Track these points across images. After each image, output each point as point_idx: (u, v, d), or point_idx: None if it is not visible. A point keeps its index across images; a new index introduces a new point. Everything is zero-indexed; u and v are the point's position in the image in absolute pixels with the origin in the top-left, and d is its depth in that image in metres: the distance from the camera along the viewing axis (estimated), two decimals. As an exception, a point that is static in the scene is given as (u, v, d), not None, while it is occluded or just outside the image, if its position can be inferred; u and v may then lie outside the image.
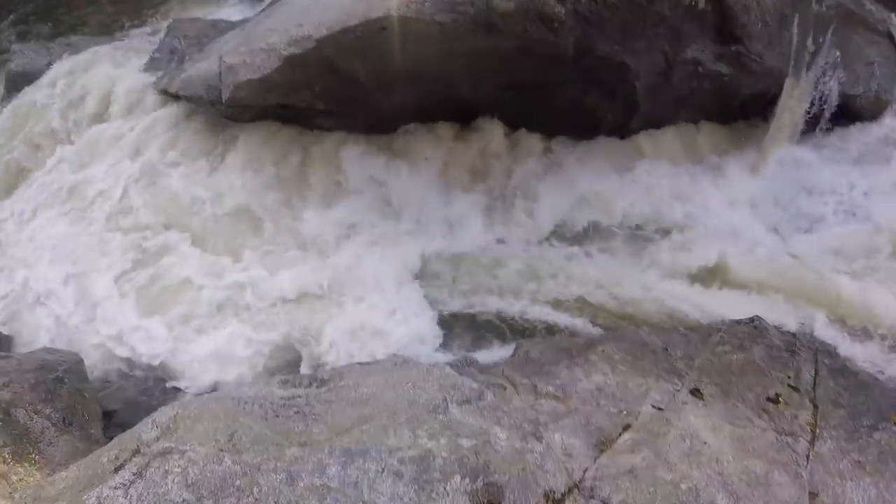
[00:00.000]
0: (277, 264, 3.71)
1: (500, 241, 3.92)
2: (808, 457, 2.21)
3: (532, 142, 4.28)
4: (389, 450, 1.86)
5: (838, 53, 4.15)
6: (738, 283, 3.53)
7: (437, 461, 1.84)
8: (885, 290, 3.38)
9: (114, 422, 2.82)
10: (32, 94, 4.78)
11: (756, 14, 3.92)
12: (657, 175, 4.17)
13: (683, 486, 1.96)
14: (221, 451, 1.79)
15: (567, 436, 2.16)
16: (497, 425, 2.05)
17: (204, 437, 1.83)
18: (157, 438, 1.85)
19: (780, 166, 4.20)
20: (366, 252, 3.77)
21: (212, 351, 3.33)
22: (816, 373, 2.66)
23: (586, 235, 3.95)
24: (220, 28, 4.89)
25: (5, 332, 3.55)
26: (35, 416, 2.37)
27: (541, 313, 3.45)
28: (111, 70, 4.74)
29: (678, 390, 2.45)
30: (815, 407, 2.47)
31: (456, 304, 3.56)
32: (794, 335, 2.93)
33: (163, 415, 1.95)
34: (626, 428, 2.24)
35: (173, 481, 1.68)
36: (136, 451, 1.80)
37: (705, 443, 2.16)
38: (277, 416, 2.01)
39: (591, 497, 1.94)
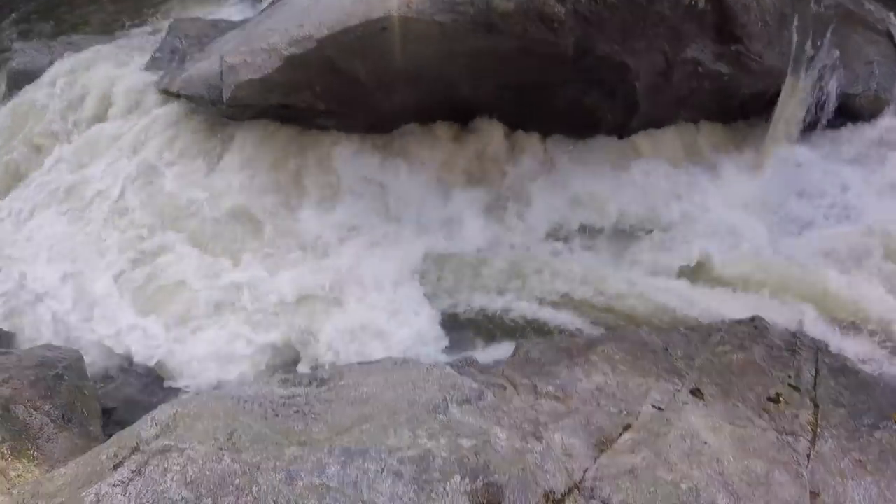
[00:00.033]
0: (277, 265, 3.71)
1: (501, 240, 3.92)
2: (808, 456, 2.21)
3: (532, 141, 4.28)
4: (389, 449, 1.85)
5: (838, 53, 4.16)
6: (724, 279, 3.54)
7: (437, 461, 1.84)
8: (872, 284, 3.38)
9: (113, 419, 2.82)
10: (33, 93, 4.78)
11: (756, 14, 3.93)
12: (656, 175, 4.17)
13: (684, 486, 1.96)
14: (221, 449, 1.78)
15: (567, 436, 2.15)
16: (497, 425, 2.04)
17: (203, 436, 1.83)
18: (157, 436, 1.85)
19: (780, 166, 4.21)
20: (366, 252, 3.77)
21: (210, 350, 3.33)
22: (817, 372, 2.66)
23: (585, 234, 3.95)
24: (221, 28, 4.89)
25: (6, 328, 3.55)
26: (34, 413, 2.36)
27: (541, 312, 3.45)
28: (112, 69, 4.74)
29: (678, 390, 2.45)
30: (816, 406, 2.47)
31: (456, 304, 3.56)
32: (794, 334, 2.93)
33: (162, 413, 1.95)
34: (627, 428, 2.23)
35: (172, 479, 1.67)
36: (136, 449, 1.80)
37: (706, 443, 2.16)
38: (277, 415, 2.01)
39: (592, 497, 1.94)
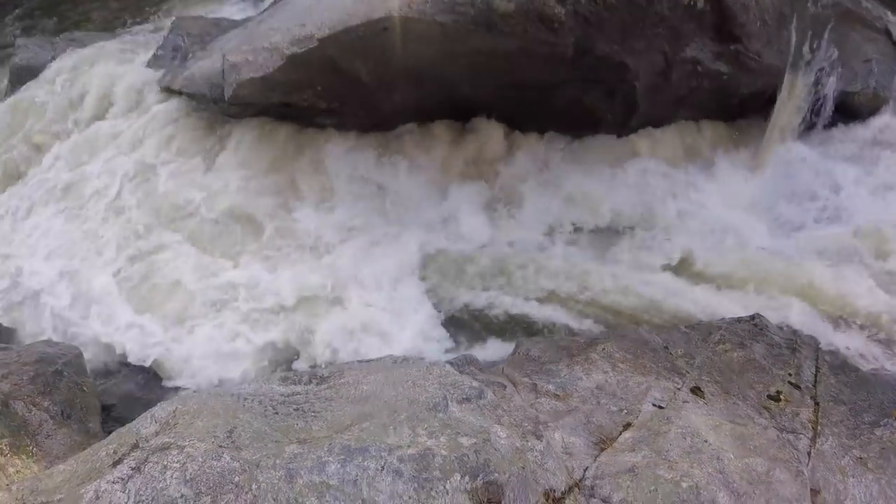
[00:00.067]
0: (276, 264, 3.71)
1: (500, 239, 3.92)
2: (809, 454, 2.21)
3: (531, 141, 4.28)
4: (389, 448, 1.85)
5: (836, 51, 4.17)
6: (707, 275, 3.57)
7: (437, 459, 1.83)
8: (857, 276, 3.40)
9: (112, 416, 2.82)
10: (34, 90, 4.79)
11: (755, 13, 3.93)
12: (654, 174, 4.18)
13: (684, 485, 1.95)
14: (220, 447, 1.78)
15: (567, 434, 2.15)
16: (497, 424, 2.04)
17: (203, 433, 1.82)
18: (156, 433, 1.84)
19: (779, 164, 4.22)
20: (365, 251, 3.77)
21: (209, 349, 3.32)
22: (817, 370, 2.66)
23: (584, 233, 3.96)
24: (223, 26, 4.90)
25: (6, 324, 3.55)
26: (33, 409, 2.36)
27: (542, 312, 3.45)
28: (113, 66, 4.75)
29: (679, 388, 2.45)
30: (817, 404, 2.47)
31: (456, 303, 3.56)
32: (794, 332, 2.93)
33: (162, 410, 1.94)
34: (627, 426, 2.23)
35: (172, 476, 1.66)
36: (135, 446, 1.79)
37: (706, 441, 2.15)
38: (277, 413, 2.01)
39: (592, 496, 1.94)
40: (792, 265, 3.50)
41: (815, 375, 2.62)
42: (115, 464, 1.73)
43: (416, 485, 1.76)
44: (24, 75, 4.96)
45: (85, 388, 2.66)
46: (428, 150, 4.19)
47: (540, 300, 3.51)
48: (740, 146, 4.36)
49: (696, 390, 2.45)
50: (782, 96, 4.18)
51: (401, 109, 4.09)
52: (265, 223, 3.90)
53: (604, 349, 2.65)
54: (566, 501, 1.90)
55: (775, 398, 2.45)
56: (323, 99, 3.86)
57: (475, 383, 2.23)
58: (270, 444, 1.83)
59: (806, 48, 4.10)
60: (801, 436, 2.28)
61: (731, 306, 3.32)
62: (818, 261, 3.57)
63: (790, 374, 2.61)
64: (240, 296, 3.54)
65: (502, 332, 3.39)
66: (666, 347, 2.72)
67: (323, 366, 3.14)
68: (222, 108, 4.09)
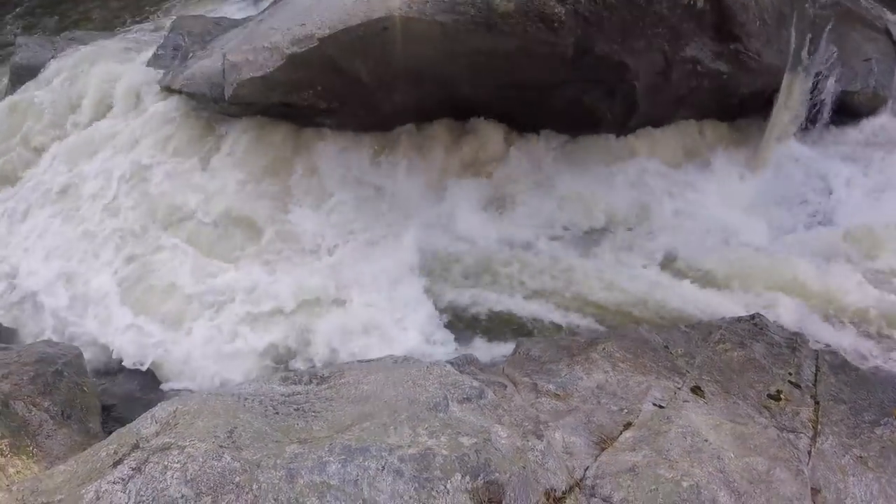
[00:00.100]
0: (274, 266, 3.70)
1: (501, 239, 3.92)
2: (809, 453, 2.21)
3: (531, 140, 4.28)
4: (390, 447, 1.85)
5: (836, 50, 4.17)
6: (691, 272, 3.59)
7: (438, 459, 1.83)
8: (843, 270, 3.41)
9: (112, 416, 2.81)
10: (33, 89, 4.78)
11: (754, 12, 3.94)
12: (653, 174, 4.18)
13: (685, 484, 1.96)
14: (221, 447, 1.78)
15: (568, 434, 2.15)
16: (498, 423, 2.04)
17: (203, 433, 1.82)
18: (157, 433, 1.84)
19: (779, 164, 4.22)
20: (364, 251, 3.77)
21: (208, 350, 3.32)
22: (817, 369, 2.66)
23: (581, 232, 3.96)
24: (223, 26, 4.90)
25: (6, 324, 3.55)
26: (34, 409, 2.36)
27: (541, 311, 3.45)
28: (114, 65, 4.74)
29: (679, 388, 2.45)
30: (817, 403, 2.47)
31: (456, 303, 3.56)
32: (794, 332, 2.93)
33: (162, 410, 1.94)
34: (627, 426, 2.23)
35: (172, 477, 1.66)
36: (136, 446, 1.79)
37: (706, 440, 2.15)
38: (277, 413, 2.00)
39: (593, 495, 1.94)
40: (778, 261, 3.52)
41: (816, 374, 2.62)
42: (116, 464, 1.73)
43: (416, 485, 1.76)
44: (24, 74, 4.96)
45: (85, 389, 2.66)
46: (429, 150, 4.18)
47: (526, 298, 3.53)
48: (740, 146, 4.37)
49: (696, 390, 2.45)
50: (782, 96, 4.18)
51: (401, 109, 4.08)
52: (264, 226, 3.89)
53: (604, 349, 2.65)
54: (567, 501, 1.90)
55: (775, 397, 2.46)
56: (323, 99, 3.86)
57: (476, 383, 2.23)
58: (271, 444, 1.83)
59: (806, 48, 4.10)
60: (802, 435, 2.28)
61: (724, 302, 3.33)
62: (809, 259, 3.58)
63: (790, 374, 2.61)
64: (239, 297, 3.53)
65: (502, 332, 3.39)
66: (666, 347, 2.72)
67: (323, 366, 3.14)
68: (223, 107, 4.09)
